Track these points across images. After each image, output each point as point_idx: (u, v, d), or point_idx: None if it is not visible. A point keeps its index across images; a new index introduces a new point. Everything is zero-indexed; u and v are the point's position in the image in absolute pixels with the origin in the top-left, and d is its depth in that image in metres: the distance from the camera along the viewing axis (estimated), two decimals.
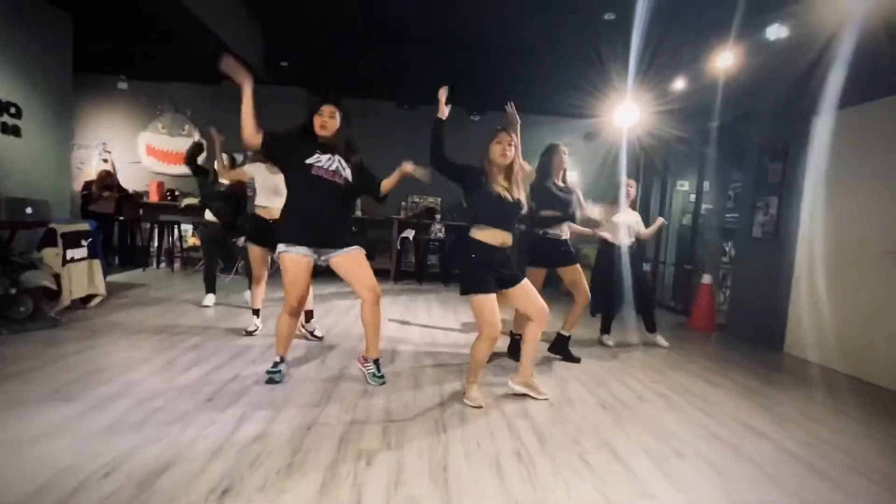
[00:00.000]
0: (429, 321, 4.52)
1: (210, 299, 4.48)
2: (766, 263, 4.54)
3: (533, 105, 7.08)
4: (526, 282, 2.60)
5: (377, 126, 7.43)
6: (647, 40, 5.19)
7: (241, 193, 4.34)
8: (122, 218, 6.58)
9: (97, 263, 4.01)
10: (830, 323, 3.79)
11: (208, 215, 4.41)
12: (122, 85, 7.05)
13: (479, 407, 2.45)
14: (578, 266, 3.35)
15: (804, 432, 2.48)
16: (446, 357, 3.38)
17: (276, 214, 2.77)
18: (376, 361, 2.75)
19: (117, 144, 7.13)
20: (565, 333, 3.47)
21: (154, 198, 6.96)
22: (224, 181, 4.13)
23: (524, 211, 2.57)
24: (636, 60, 5.52)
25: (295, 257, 2.49)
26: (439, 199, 7.57)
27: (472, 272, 2.47)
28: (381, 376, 2.73)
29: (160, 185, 7.04)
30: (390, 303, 5.32)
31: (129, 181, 6.87)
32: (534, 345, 2.63)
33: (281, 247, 2.51)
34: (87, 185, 6.45)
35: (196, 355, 3.00)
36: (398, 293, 6.01)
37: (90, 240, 3.96)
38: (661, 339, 4.11)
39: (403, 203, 7.48)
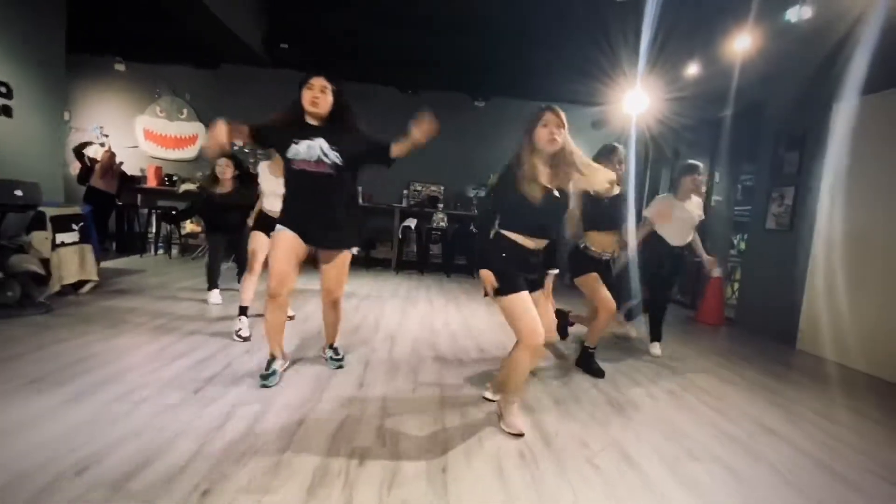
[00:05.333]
0: (430, 312, 4.40)
1: (215, 296, 4.05)
2: (779, 256, 4.39)
3: (539, 92, 6.90)
4: (541, 292, 2.23)
5: (379, 112, 7.23)
6: (660, 23, 5.00)
7: (244, 203, 3.68)
8: (120, 203, 6.48)
9: (89, 249, 3.89)
10: (847, 318, 3.65)
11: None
12: (119, 67, 6.88)
13: (521, 435, 2.01)
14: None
15: (821, 433, 2.36)
16: (447, 350, 3.26)
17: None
18: (332, 346, 2.75)
19: (114, 128, 6.99)
20: (591, 346, 3.04)
21: (152, 183, 6.83)
22: (223, 189, 3.83)
23: (569, 210, 2.14)
24: (647, 45, 5.32)
25: (289, 234, 2.31)
26: (442, 188, 7.41)
27: (501, 272, 2.00)
28: (339, 359, 2.73)
29: (158, 169, 6.90)
30: (391, 294, 5.21)
31: (127, 165, 6.73)
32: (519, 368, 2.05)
33: (278, 227, 2.36)
34: (92, 161, 6.32)
35: (188, 344, 2.89)
36: (399, 284, 5.89)
37: (82, 224, 3.84)
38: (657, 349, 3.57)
39: (405, 191, 7.33)
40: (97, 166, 6.29)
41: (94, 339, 2.84)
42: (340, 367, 2.70)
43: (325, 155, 2.24)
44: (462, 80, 6.92)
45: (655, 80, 5.79)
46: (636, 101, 6.07)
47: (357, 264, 6.95)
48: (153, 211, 6.49)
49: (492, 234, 2.09)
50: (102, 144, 6.75)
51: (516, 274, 2.02)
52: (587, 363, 3.00)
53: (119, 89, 7.01)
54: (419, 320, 4.05)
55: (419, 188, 7.39)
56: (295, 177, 2.29)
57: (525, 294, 2.00)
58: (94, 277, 3.92)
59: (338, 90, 2.31)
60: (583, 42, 5.79)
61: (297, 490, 1.51)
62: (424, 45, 6.25)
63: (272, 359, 2.45)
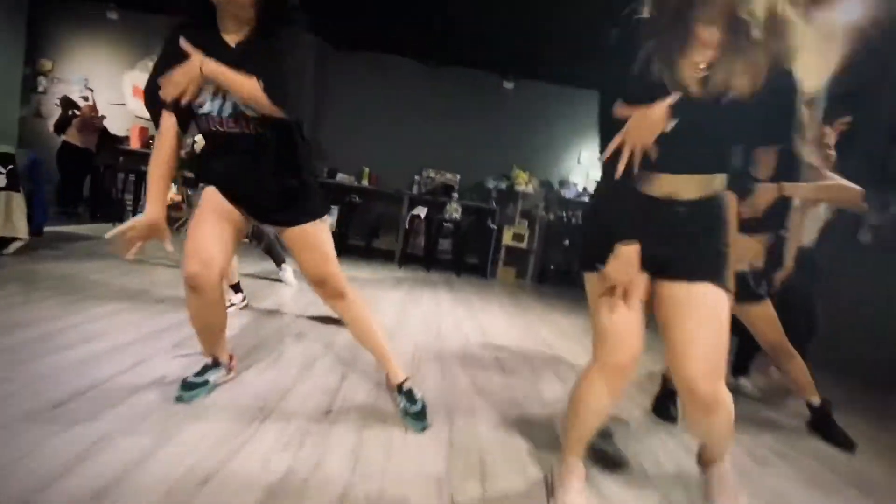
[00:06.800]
0: (436, 313, 3.58)
1: (288, 275, 3.70)
2: (875, 278, 3.51)
3: (579, 78, 6.07)
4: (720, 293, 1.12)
5: (398, 87, 6.50)
6: None
7: None
8: (97, 163, 5.76)
9: (20, 199, 3.13)
10: None
11: None
12: (112, 15, 6.19)
13: None
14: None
15: None
16: (454, 361, 2.43)
17: None
18: (400, 387, 1.69)
19: (100, 82, 6.29)
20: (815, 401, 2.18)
21: (135, 144, 6.10)
22: None
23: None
24: None
25: (218, 197, 1.50)
26: (458, 177, 6.60)
27: (599, 232, 1.20)
28: (416, 414, 1.62)
29: (143, 130, 6.17)
30: (392, 287, 4.40)
31: (110, 124, 6.02)
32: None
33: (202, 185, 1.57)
34: (74, 115, 5.63)
35: (97, 328, 2.09)
36: (401, 280, 5.07)
37: (11, 167, 3.09)
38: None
39: (417, 177, 6.53)
40: (75, 120, 5.61)
41: None
42: (424, 427, 1.60)
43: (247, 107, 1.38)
44: (491, 55, 6.09)
45: None
46: None
47: (357, 255, 6.15)
48: (132, 175, 5.75)
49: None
50: (86, 98, 6.04)
51: (624, 237, 1.10)
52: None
53: (109, 40, 6.30)
54: (421, 321, 3.23)
55: (432, 175, 6.59)
56: (208, 136, 1.49)
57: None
58: (23, 235, 3.15)
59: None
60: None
61: None
62: (448, 13, 5.44)
63: (213, 365, 1.68)
